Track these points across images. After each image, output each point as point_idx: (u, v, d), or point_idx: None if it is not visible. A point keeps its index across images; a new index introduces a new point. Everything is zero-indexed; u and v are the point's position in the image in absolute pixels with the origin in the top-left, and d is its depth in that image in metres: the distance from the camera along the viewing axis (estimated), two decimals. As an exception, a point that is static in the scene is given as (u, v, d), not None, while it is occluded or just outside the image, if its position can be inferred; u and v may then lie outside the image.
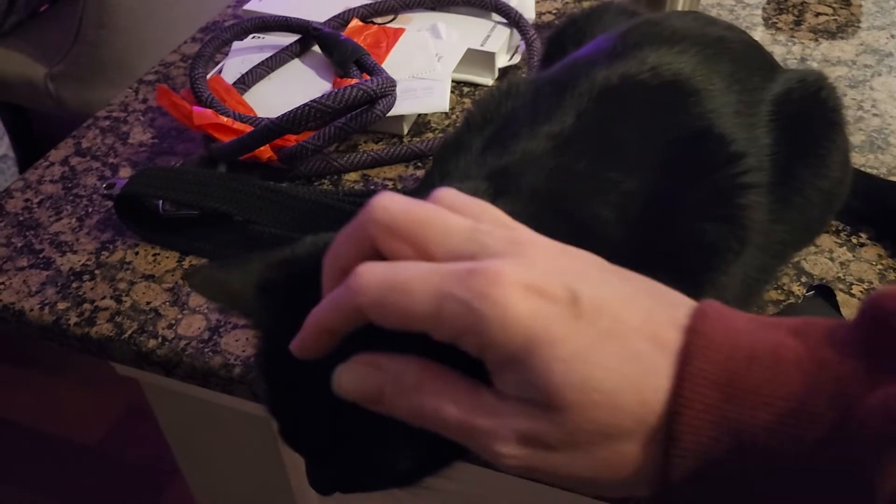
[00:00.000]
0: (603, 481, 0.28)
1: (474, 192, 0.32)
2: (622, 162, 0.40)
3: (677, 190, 0.39)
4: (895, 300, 0.26)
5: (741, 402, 0.25)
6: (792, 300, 0.51)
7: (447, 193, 0.30)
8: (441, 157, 0.44)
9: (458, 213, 0.29)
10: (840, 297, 0.51)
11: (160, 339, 0.52)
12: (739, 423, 0.25)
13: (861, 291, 0.51)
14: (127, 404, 1.57)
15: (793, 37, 0.76)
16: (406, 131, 0.66)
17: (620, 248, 0.37)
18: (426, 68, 0.68)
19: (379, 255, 0.29)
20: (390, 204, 0.29)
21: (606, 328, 0.26)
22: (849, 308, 0.50)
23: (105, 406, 1.57)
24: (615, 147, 0.40)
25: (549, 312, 0.26)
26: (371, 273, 0.27)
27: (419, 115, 0.68)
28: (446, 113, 0.68)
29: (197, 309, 0.53)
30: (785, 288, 0.52)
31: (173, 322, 0.53)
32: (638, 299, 0.28)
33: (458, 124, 0.66)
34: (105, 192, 0.63)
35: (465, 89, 0.71)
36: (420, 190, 0.47)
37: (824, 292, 0.50)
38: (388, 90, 0.59)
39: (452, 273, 0.26)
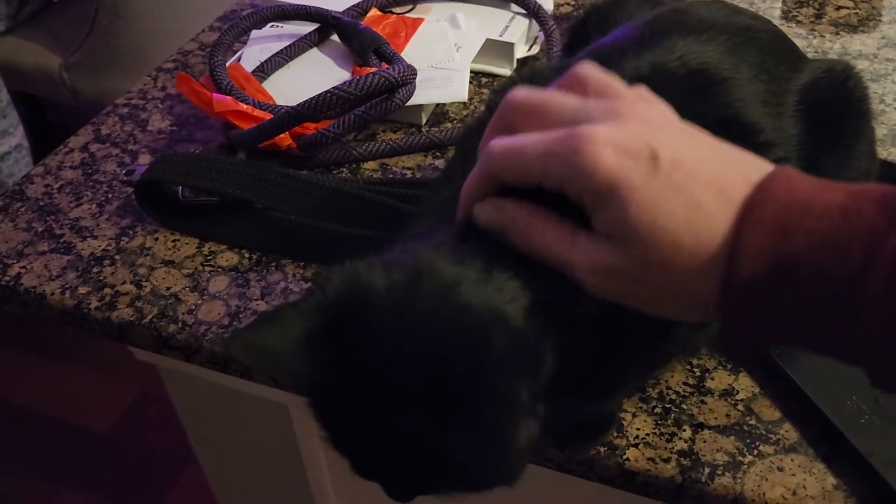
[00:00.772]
0: (668, 304, 0.34)
1: None
2: None
3: None
4: None
5: (790, 243, 0.30)
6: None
7: (581, 69, 0.37)
8: (464, 144, 0.44)
9: (581, 90, 0.36)
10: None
11: (180, 325, 0.52)
12: (785, 259, 0.30)
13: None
14: (140, 391, 1.58)
15: (813, 30, 0.75)
16: (425, 121, 0.66)
17: None
18: (445, 58, 0.68)
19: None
20: (518, 93, 0.36)
21: (678, 181, 0.31)
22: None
23: (118, 392, 1.58)
24: None
25: (631, 166, 0.32)
26: (498, 143, 0.35)
27: (437, 104, 0.67)
28: (465, 103, 0.68)
29: (217, 295, 0.54)
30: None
31: (193, 307, 0.53)
32: (714, 160, 0.33)
33: (478, 111, 0.66)
34: (125, 178, 0.63)
35: (484, 80, 0.71)
36: (443, 179, 0.47)
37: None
38: (408, 78, 0.59)
39: (556, 137, 0.33)
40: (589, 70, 0.37)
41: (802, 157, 0.44)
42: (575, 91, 0.36)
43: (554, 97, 0.36)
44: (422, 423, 0.32)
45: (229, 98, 0.61)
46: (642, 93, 0.36)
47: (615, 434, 0.45)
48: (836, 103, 0.47)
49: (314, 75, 0.68)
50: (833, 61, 0.49)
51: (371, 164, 0.63)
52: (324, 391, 0.35)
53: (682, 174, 0.32)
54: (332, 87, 0.57)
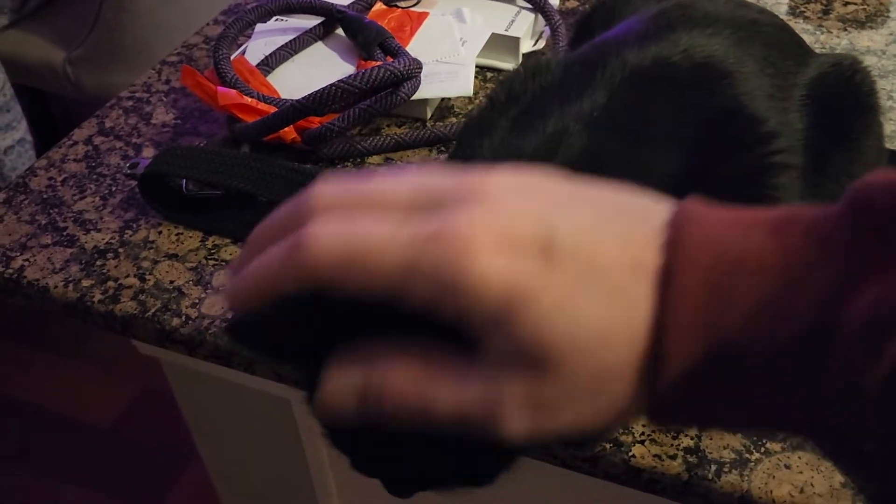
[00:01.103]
0: (611, 422, 0.27)
1: None
2: (654, 143, 0.39)
3: (708, 170, 0.39)
4: (884, 193, 0.25)
5: (724, 315, 0.25)
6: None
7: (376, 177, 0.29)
8: (464, 138, 0.44)
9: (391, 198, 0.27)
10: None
11: (184, 318, 0.52)
12: (724, 336, 0.25)
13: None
14: (141, 387, 1.58)
15: (821, 26, 0.75)
16: (430, 115, 0.66)
17: None
18: (450, 52, 0.67)
19: None
20: (326, 183, 0.27)
21: (583, 270, 0.26)
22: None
23: (120, 389, 1.58)
24: (647, 128, 0.39)
25: (524, 267, 0.25)
26: (326, 236, 0.26)
27: (443, 99, 0.67)
28: (470, 98, 0.67)
29: (221, 288, 0.53)
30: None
31: (197, 301, 0.53)
32: (611, 223, 0.27)
33: (480, 104, 0.65)
34: (129, 171, 0.63)
35: (489, 74, 0.71)
36: None
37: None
38: (414, 71, 0.59)
39: (415, 239, 0.25)
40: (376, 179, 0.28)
41: (810, 152, 0.44)
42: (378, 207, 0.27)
43: (382, 179, 0.28)
44: None
45: (234, 91, 0.61)
46: (488, 170, 0.28)
47: (621, 431, 0.44)
48: (843, 98, 0.46)
49: (319, 69, 0.68)
50: (840, 56, 0.48)
51: (376, 159, 0.62)
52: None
53: (584, 258, 0.26)
54: (338, 81, 0.56)
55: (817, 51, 0.50)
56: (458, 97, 0.67)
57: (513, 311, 0.25)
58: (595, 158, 0.39)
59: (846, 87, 0.47)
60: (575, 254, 0.26)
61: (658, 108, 0.40)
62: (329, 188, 0.27)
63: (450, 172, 0.28)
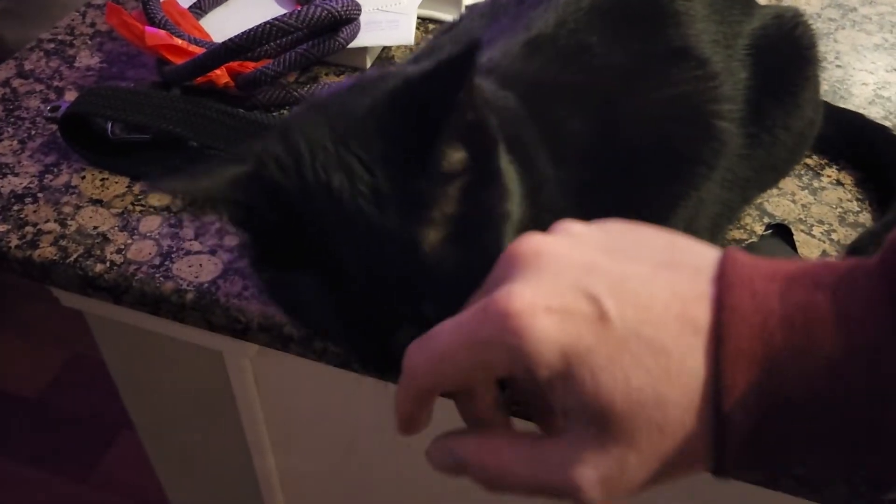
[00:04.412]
0: (684, 475, 0.28)
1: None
2: (598, 72, 0.39)
3: (653, 101, 0.39)
4: None
5: (781, 372, 0.25)
6: (754, 240, 0.51)
7: None
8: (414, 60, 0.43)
9: None
10: (801, 237, 0.51)
11: (108, 264, 0.49)
12: (781, 392, 0.25)
13: (821, 233, 0.52)
14: (69, 355, 1.52)
15: (759, -11, 0.75)
16: (369, 65, 0.64)
17: (592, 158, 0.37)
18: (392, 1, 0.66)
19: None
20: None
21: (635, 325, 0.26)
22: (808, 248, 0.51)
23: (46, 358, 1.52)
24: (592, 57, 0.39)
25: (575, 326, 0.26)
26: (415, 353, 0.29)
27: (383, 48, 0.66)
28: (411, 48, 0.66)
29: (148, 234, 0.51)
30: (748, 228, 0.52)
31: (122, 247, 0.50)
32: (659, 277, 0.27)
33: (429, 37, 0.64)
34: (50, 114, 0.60)
35: (431, 26, 0.69)
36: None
37: (782, 231, 0.51)
38: (352, 14, 0.57)
39: (471, 319, 0.27)
40: None
41: (749, 102, 0.44)
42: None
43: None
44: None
45: (163, 32, 0.58)
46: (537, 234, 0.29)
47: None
48: (783, 50, 0.47)
49: (255, 13, 0.65)
50: (783, 8, 0.49)
51: (313, 107, 0.60)
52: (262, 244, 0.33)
53: (635, 314, 0.26)
54: (273, 18, 0.54)
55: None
56: (398, 47, 0.66)
57: (572, 366, 0.26)
58: (538, 84, 0.38)
59: (787, 39, 0.47)
60: (626, 309, 0.26)
61: (605, 39, 0.40)
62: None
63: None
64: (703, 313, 0.26)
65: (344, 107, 0.33)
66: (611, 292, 0.26)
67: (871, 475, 0.27)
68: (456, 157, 0.31)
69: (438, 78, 0.30)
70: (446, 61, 0.29)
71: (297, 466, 0.71)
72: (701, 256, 0.28)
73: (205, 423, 0.70)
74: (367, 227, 0.30)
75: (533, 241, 0.28)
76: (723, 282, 0.26)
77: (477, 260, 0.30)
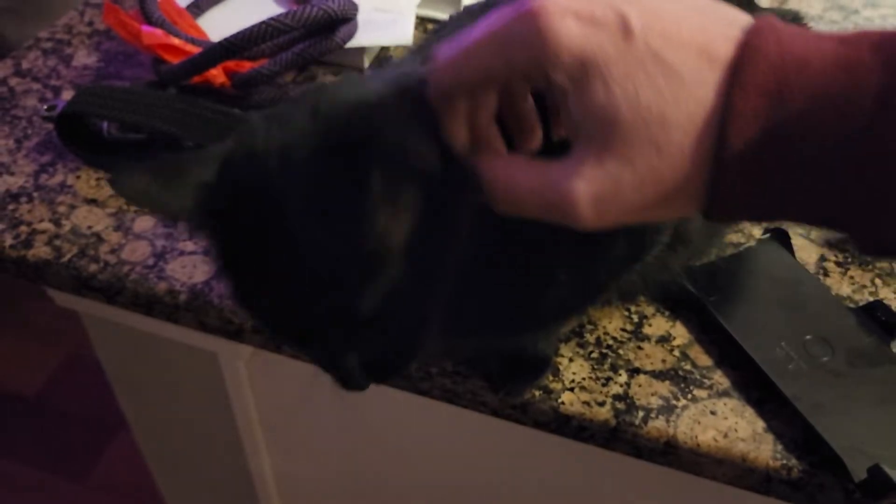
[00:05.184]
0: (672, 213, 0.30)
1: None
2: None
3: None
4: None
5: (787, 105, 0.27)
6: (752, 243, 0.51)
7: None
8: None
9: None
10: (798, 241, 0.51)
11: (102, 264, 0.49)
12: (782, 123, 0.27)
13: (819, 237, 0.51)
14: (67, 355, 1.52)
15: (759, -9, 0.75)
16: (367, 65, 0.64)
17: None
18: (390, 0, 0.65)
19: None
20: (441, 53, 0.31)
21: (655, 48, 0.27)
22: (806, 252, 0.51)
23: (44, 357, 1.52)
24: None
25: (601, 36, 0.27)
26: (440, 56, 0.30)
27: (381, 49, 0.65)
28: (409, 48, 0.66)
29: (142, 234, 0.51)
30: (745, 231, 0.52)
31: (116, 247, 0.50)
32: (691, 17, 0.28)
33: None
34: (46, 113, 0.59)
35: (429, 25, 0.69)
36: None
37: (780, 235, 0.50)
38: (349, 13, 0.57)
39: (502, 17, 0.28)
40: None
41: None
42: None
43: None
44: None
45: (160, 31, 0.58)
46: None
47: (551, 378, 0.44)
48: None
49: (252, 12, 0.65)
50: (784, 10, 0.49)
51: (310, 107, 0.60)
52: (234, 252, 0.33)
53: (659, 38, 0.27)
54: (269, 18, 0.54)
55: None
56: (396, 47, 0.66)
57: (588, 74, 0.27)
58: None
59: None
60: (650, 31, 0.27)
61: None
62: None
63: None
64: (725, 50, 0.27)
65: (290, 115, 0.33)
66: (641, 15, 0.28)
67: (857, 234, 0.28)
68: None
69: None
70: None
71: (291, 467, 0.71)
72: (738, 14, 0.29)
73: (200, 424, 0.70)
74: (323, 213, 0.30)
75: None
76: (753, 31, 0.28)
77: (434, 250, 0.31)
